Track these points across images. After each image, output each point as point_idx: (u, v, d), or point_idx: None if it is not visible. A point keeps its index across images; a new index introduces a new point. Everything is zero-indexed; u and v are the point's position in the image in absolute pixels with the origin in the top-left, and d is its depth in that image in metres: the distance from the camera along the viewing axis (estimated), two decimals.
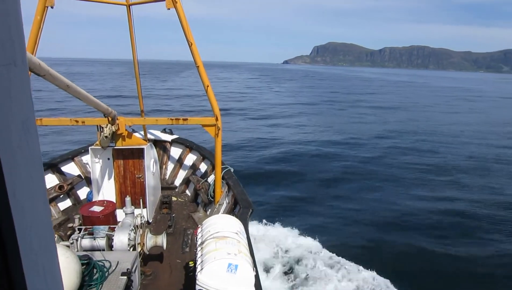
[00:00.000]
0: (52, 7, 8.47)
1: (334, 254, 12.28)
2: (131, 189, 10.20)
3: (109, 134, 8.71)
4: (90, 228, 7.16)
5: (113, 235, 6.92)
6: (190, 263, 6.56)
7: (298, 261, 11.94)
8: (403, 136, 33.95)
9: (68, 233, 8.26)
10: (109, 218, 8.05)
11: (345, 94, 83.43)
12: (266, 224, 14.23)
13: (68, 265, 5.01)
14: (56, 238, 6.77)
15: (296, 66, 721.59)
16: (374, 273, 11.40)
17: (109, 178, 10.16)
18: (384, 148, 28.87)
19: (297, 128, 36.76)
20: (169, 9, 8.78)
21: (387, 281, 11.13)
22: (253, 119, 41.38)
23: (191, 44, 9.02)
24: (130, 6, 10.35)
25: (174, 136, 13.56)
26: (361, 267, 11.61)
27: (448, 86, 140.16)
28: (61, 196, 10.72)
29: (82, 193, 11.43)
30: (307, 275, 11.21)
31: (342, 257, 12.13)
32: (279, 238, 13.07)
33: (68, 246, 6.53)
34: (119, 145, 9.50)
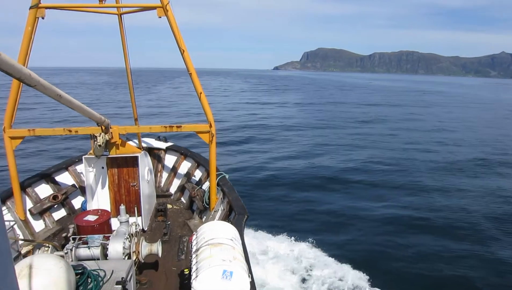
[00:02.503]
0: (43, 18, 8.49)
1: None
2: (126, 198, 10.16)
3: (102, 142, 8.69)
4: (84, 237, 7.12)
5: (108, 244, 6.88)
6: (185, 270, 6.54)
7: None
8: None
9: (63, 243, 8.21)
10: (103, 227, 8.01)
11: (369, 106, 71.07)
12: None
13: (61, 275, 4.98)
14: (50, 248, 6.73)
15: (287, 72, 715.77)
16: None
17: (104, 187, 10.12)
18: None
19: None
20: (160, 17, 8.83)
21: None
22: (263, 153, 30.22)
23: (183, 51, 9.06)
24: (122, 16, 10.39)
25: (169, 144, 13.55)
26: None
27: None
28: (55, 206, 10.66)
29: (77, 202, 11.37)
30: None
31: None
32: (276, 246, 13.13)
33: (62, 256, 6.49)
34: (113, 153, 9.48)
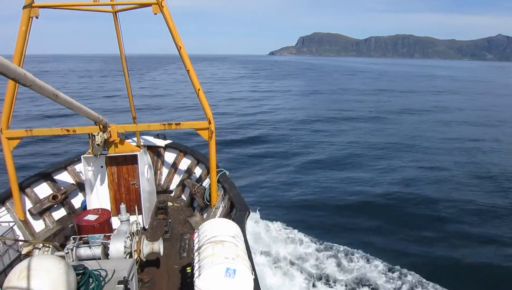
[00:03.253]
0: (37, 18, 8.39)
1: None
2: (126, 196, 10.11)
3: (101, 142, 8.60)
4: (85, 237, 7.07)
5: (109, 243, 6.83)
6: (187, 268, 6.49)
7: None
8: None
9: (63, 242, 8.15)
10: (104, 226, 7.96)
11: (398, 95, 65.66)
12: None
13: (62, 276, 4.92)
14: (50, 249, 6.67)
15: (282, 57, 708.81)
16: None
17: (103, 186, 10.06)
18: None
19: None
20: (156, 14, 8.74)
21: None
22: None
23: (180, 48, 8.96)
24: (117, 13, 10.29)
25: (168, 141, 13.48)
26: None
27: None
28: (55, 206, 10.60)
29: (77, 202, 11.31)
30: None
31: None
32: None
33: (63, 256, 6.44)
34: (112, 152, 9.41)
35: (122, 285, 5.64)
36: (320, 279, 11.45)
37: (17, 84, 8.23)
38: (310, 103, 53.77)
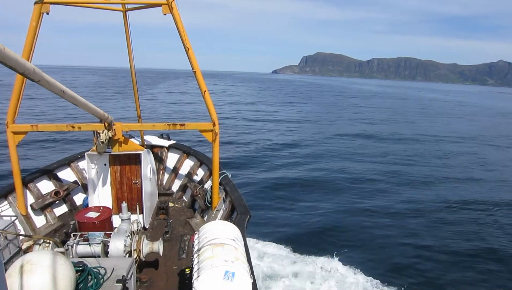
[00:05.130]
0: (47, 14, 8.45)
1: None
2: (128, 195, 10.12)
3: (105, 139, 8.64)
4: (85, 234, 7.08)
5: (109, 241, 6.84)
6: (186, 270, 6.48)
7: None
8: None
9: (64, 239, 8.17)
10: (105, 224, 7.97)
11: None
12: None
13: (62, 272, 4.93)
14: (51, 245, 6.69)
15: (286, 76, 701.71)
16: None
17: (106, 184, 10.08)
18: None
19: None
20: (165, 14, 8.78)
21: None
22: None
23: (188, 49, 9.01)
24: (127, 12, 10.35)
25: (171, 142, 13.51)
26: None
27: None
28: (57, 202, 10.64)
29: (78, 199, 11.34)
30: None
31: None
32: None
33: (63, 253, 6.45)
34: (116, 150, 9.44)
35: (121, 284, 5.65)
36: None
37: (25, 79, 8.30)
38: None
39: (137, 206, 9.40)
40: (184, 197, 12.30)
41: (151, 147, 12.72)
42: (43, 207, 10.20)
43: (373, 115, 66.26)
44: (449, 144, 39.59)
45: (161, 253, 7.36)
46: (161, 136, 13.77)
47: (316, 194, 20.63)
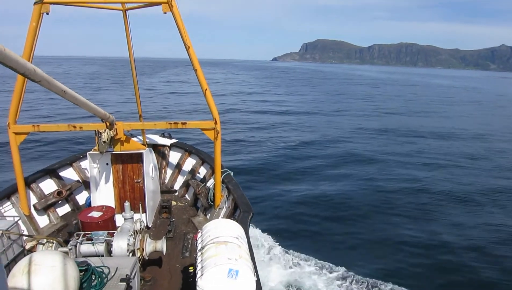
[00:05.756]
0: (47, 14, 8.43)
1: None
2: (130, 194, 10.14)
3: (107, 139, 8.63)
4: (89, 233, 7.09)
5: (112, 241, 6.85)
6: (190, 268, 6.48)
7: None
8: None
9: (67, 238, 8.18)
10: (108, 224, 7.98)
11: None
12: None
13: (65, 272, 4.94)
14: (54, 244, 6.70)
15: (286, 64, 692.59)
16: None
17: (108, 183, 10.09)
18: None
19: None
20: (165, 13, 8.75)
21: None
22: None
23: (189, 47, 8.97)
24: (127, 11, 10.33)
25: (173, 140, 13.51)
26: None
27: None
28: (59, 202, 10.65)
29: (81, 198, 11.36)
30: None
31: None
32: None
33: (66, 252, 6.46)
34: (118, 150, 9.44)
35: (125, 283, 5.65)
36: None
37: (26, 79, 8.30)
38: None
39: (140, 205, 9.42)
40: (186, 196, 12.31)
41: (153, 146, 12.72)
42: (46, 207, 10.22)
43: (393, 104, 60.09)
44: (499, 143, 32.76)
45: (164, 252, 7.36)
46: (162, 135, 13.77)
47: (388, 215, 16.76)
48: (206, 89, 9.37)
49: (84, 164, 11.56)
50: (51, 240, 6.73)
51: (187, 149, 13.10)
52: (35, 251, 6.49)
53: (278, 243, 13.00)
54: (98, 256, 6.56)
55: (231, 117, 41.17)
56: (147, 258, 7.35)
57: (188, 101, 54.80)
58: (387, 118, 45.38)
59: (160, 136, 13.70)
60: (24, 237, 7.18)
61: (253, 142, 29.95)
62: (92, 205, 9.59)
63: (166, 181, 13.02)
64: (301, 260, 12.28)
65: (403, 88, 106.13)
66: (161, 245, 7.31)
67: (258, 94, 70.11)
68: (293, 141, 30.36)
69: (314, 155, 26.45)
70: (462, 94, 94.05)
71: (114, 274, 5.84)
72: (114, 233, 7.10)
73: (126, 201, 8.16)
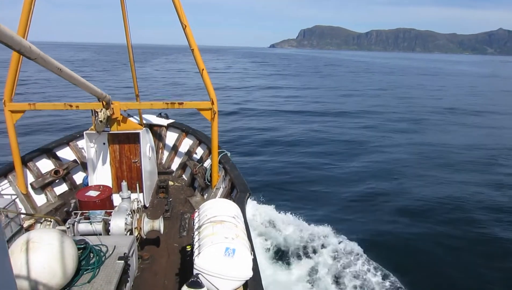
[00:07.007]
0: None
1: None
2: (127, 174, 10.16)
3: (103, 118, 8.59)
4: (86, 212, 7.13)
5: (110, 220, 6.89)
6: (187, 247, 6.56)
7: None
8: None
9: (65, 217, 8.23)
10: (105, 203, 8.01)
11: None
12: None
13: (64, 250, 4.99)
14: (52, 223, 6.74)
15: (284, 50, 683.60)
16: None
17: (105, 162, 10.10)
18: None
19: None
20: None
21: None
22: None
23: (185, 26, 8.83)
24: None
25: (170, 121, 13.45)
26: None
27: None
28: (57, 181, 10.67)
29: (78, 178, 11.38)
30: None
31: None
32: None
33: (64, 231, 6.51)
34: (114, 129, 9.40)
35: (122, 261, 5.72)
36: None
37: (21, 57, 8.17)
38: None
39: (137, 184, 9.45)
40: (183, 176, 12.35)
41: (150, 126, 12.67)
42: (43, 186, 10.24)
43: (473, 101, 49.68)
44: None
45: (162, 231, 7.43)
46: (159, 115, 13.70)
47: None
48: (203, 69, 9.28)
49: (81, 143, 11.53)
50: (49, 219, 6.77)
51: (184, 130, 13.06)
52: (33, 229, 6.54)
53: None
54: (96, 234, 6.62)
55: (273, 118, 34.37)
56: (144, 237, 7.42)
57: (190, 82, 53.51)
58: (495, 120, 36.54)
59: (157, 116, 13.63)
60: (22, 216, 7.21)
61: (283, 143, 25.64)
62: (89, 184, 9.61)
63: (163, 161, 13.03)
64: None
65: (448, 79, 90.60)
66: (159, 224, 7.36)
67: (273, 89, 58.49)
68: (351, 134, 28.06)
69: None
70: (486, 82, 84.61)
71: (112, 253, 5.91)
72: (111, 212, 7.14)
73: (123, 180, 8.19)
